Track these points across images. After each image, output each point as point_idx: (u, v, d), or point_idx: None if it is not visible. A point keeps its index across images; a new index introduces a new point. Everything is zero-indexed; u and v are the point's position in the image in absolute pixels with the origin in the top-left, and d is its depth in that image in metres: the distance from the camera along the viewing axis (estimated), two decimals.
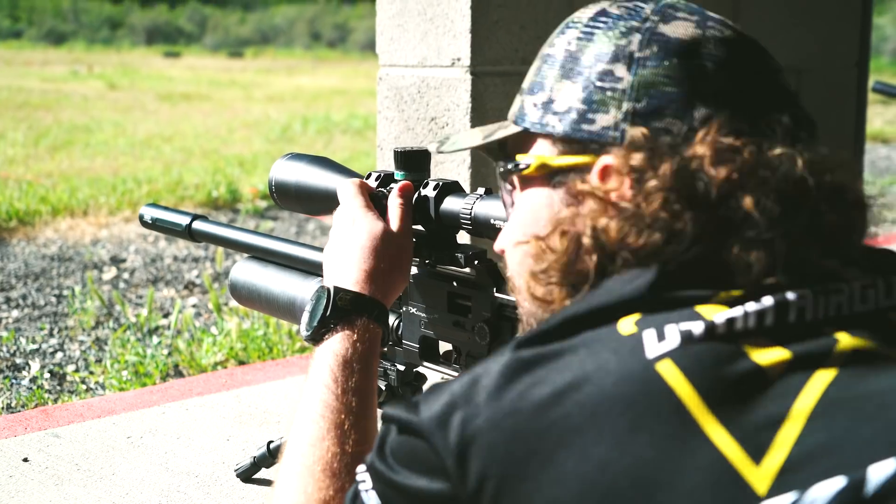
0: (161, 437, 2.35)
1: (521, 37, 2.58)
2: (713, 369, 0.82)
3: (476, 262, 1.51)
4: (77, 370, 3.29)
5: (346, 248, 1.38)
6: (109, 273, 4.82)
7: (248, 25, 40.92)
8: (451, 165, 2.54)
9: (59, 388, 3.12)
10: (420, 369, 1.80)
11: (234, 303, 3.94)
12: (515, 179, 1.12)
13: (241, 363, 3.24)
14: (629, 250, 0.93)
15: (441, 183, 1.53)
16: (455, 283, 1.56)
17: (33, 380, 3.18)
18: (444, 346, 1.64)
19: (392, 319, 1.71)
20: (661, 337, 0.84)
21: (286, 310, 1.85)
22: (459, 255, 1.52)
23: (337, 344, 1.27)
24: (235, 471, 2.09)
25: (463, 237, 1.63)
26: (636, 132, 0.98)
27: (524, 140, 1.11)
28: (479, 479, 0.83)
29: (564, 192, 1.04)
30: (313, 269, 1.82)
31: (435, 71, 2.58)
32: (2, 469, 2.14)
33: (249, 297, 1.91)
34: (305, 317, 1.33)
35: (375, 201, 1.48)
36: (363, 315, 1.31)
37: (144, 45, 35.29)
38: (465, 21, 2.49)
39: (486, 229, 1.45)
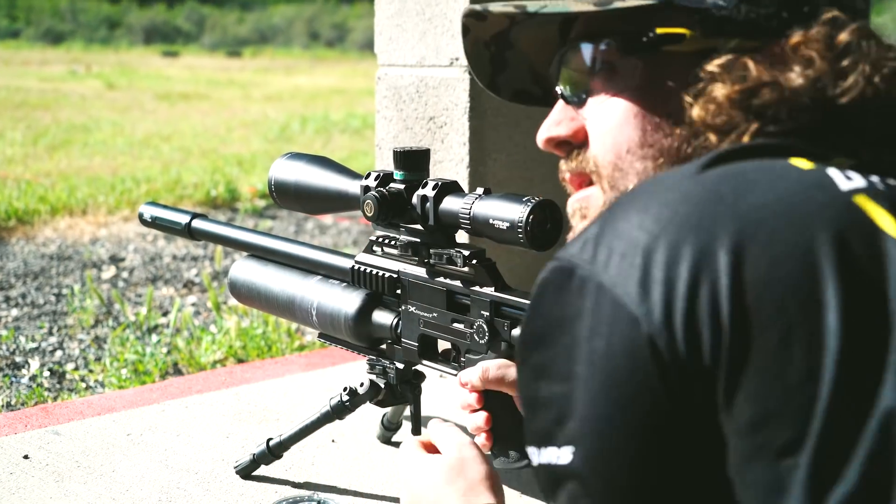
0: (161, 434, 2.36)
1: None
2: None
3: (475, 261, 1.52)
4: (76, 368, 3.31)
5: (425, 490, 1.27)
6: (108, 272, 4.82)
7: (246, 25, 40.91)
8: (451, 165, 2.55)
9: (58, 386, 3.13)
10: (419, 367, 1.82)
11: (233, 301, 3.95)
12: (638, 58, 1.05)
13: (241, 361, 3.25)
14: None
15: (440, 183, 1.54)
16: (454, 282, 1.57)
17: (33, 378, 3.19)
18: (444, 345, 1.65)
19: (391, 318, 1.73)
20: (847, 177, 0.86)
21: (285, 308, 1.87)
22: (458, 254, 1.53)
23: None
24: (235, 468, 2.11)
25: (462, 236, 1.64)
26: (830, 14, 0.99)
27: (643, 15, 1.04)
28: None
29: (711, 72, 1.00)
30: (312, 268, 1.84)
31: (433, 70, 2.59)
32: (2, 466, 2.15)
33: (249, 295, 1.92)
34: None
35: None
36: None
37: (142, 45, 35.28)
38: None
39: (484, 228, 1.46)
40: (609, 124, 1.08)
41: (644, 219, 0.83)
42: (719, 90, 0.97)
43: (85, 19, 39.67)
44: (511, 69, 1.28)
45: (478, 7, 1.18)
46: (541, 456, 0.87)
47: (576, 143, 1.12)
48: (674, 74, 1.04)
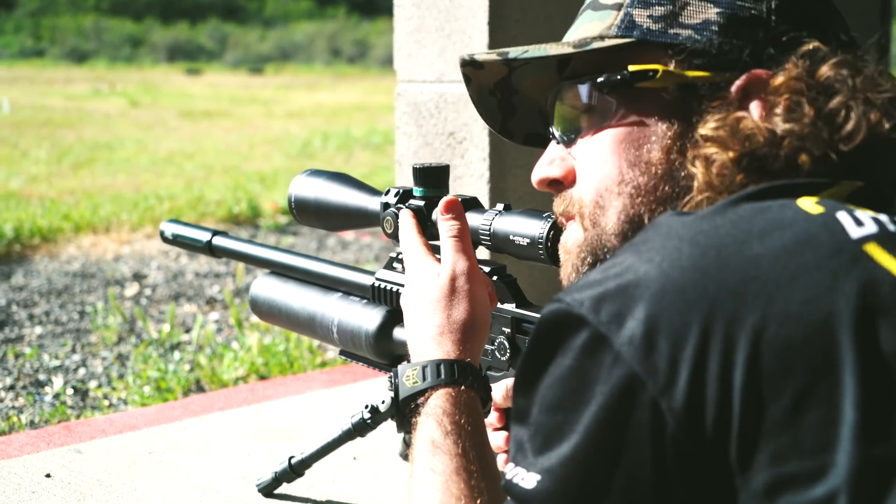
0: (183, 452, 2.36)
1: None
2: None
3: (496, 277, 1.51)
4: (99, 386, 3.31)
5: (414, 308, 1.28)
6: (131, 289, 4.84)
7: (268, 42, 41.16)
8: (470, 181, 2.55)
9: (81, 403, 3.14)
10: None
11: (255, 318, 3.96)
12: (616, 95, 1.07)
13: (262, 378, 3.25)
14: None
15: (460, 199, 1.53)
16: None
17: (56, 396, 3.20)
18: None
19: None
20: (857, 221, 0.85)
21: (306, 325, 1.86)
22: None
23: (423, 429, 1.15)
24: (257, 486, 2.10)
25: (482, 252, 1.63)
26: (813, 44, 0.99)
27: (620, 53, 1.06)
28: None
29: (690, 107, 1.02)
30: (332, 285, 1.83)
31: (453, 86, 2.59)
32: (25, 485, 2.15)
33: (270, 312, 1.92)
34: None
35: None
36: (452, 385, 1.19)
37: (166, 63, 35.55)
38: (483, 36, 2.50)
39: (505, 245, 1.45)
40: (592, 163, 1.10)
41: (650, 271, 0.83)
42: (720, 155, 0.97)
43: (109, 38, 40.02)
44: (520, 113, 1.31)
45: (466, 56, 1.21)
46: (509, 472, 0.87)
47: (567, 184, 1.14)
48: (651, 110, 1.05)
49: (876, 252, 0.82)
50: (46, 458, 2.31)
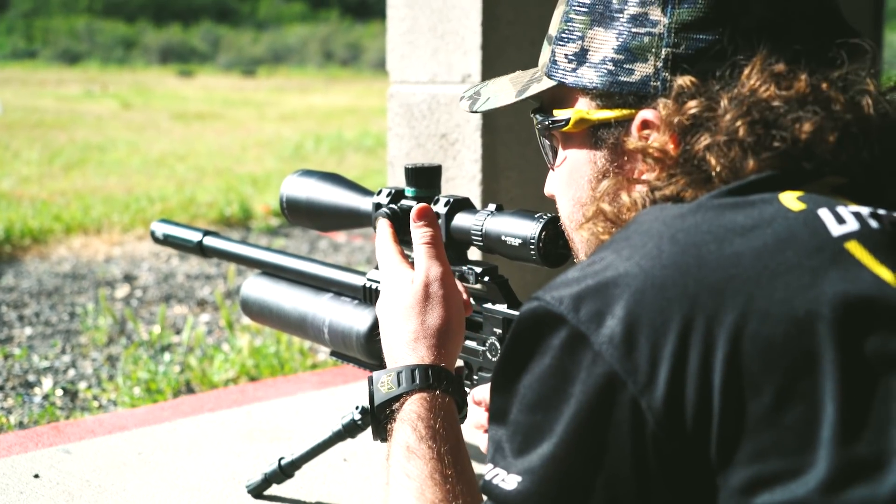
0: (172, 453, 2.35)
1: (531, 53, 2.58)
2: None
3: (487, 278, 1.51)
4: (89, 387, 3.30)
5: (389, 315, 1.28)
6: (122, 290, 4.83)
7: (261, 45, 41.12)
8: (463, 182, 2.54)
9: (71, 405, 3.13)
10: None
11: (246, 320, 3.95)
12: (556, 135, 1.11)
13: (253, 380, 3.24)
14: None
15: (452, 199, 1.53)
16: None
17: (45, 397, 3.18)
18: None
19: None
20: (839, 218, 0.85)
21: (297, 325, 1.85)
22: (470, 271, 1.52)
23: (398, 435, 1.14)
24: (246, 487, 2.09)
25: (474, 253, 1.63)
26: (684, 80, 0.95)
27: (557, 93, 1.09)
28: None
29: (606, 149, 1.04)
30: (323, 285, 1.83)
31: (445, 87, 2.59)
32: (13, 485, 2.14)
33: (261, 312, 1.91)
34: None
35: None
36: (427, 389, 1.18)
37: (158, 65, 35.50)
38: (476, 37, 2.49)
39: (497, 245, 1.44)
40: (557, 194, 1.16)
41: (630, 269, 0.83)
42: (602, 231, 1.00)
43: (101, 40, 39.94)
44: None
45: (461, 102, 1.27)
46: (489, 473, 0.87)
47: None
48: (581, 149, 1.08)
49: (857, 250, 0.82)
50: (35, 458, 2.30)
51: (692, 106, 0.94)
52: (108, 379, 3.36)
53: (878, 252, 0.82)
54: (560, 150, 1.11)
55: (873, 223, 0.85)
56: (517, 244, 1.41)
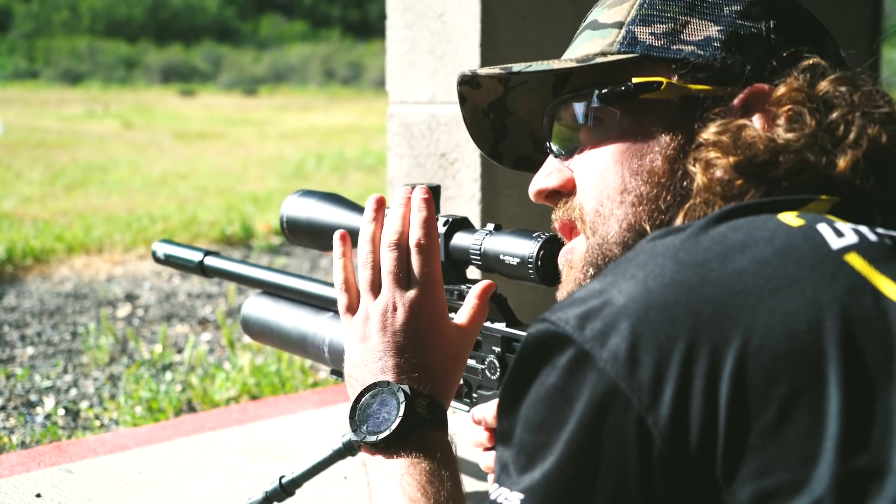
0: (173, 471, 2.36)
1: None
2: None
3: None
4: (91, 406, 3.31)
5: (414, 339, 1.18)
6: (124, 310, 4.84)
7: (262, 64, 41.26)
8: (463, 201, 2.56)
9: (73, 424, 3.13)
10: None
11: (247, 339, 3.96)
12: (620, 107, 1.10)
13: (254, 398, 3.24)
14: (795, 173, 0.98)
15: (451, 219, 1.54)
16: None
17: (47, 416, 3.19)
18: None
19: None
20: (837, 232, 0.86)
21: (298, 344, 1.86)
22: (468, 289, 1.53)
23: (417, 456, 1.09)
24: None
25: (473, 272, 1.64)
26: (814, 59, 1.02)
27: (623, 68, 1.09)
28: None
29: (693, 120, 1.05)
30: (324, 304, 1.84)
31: (445, 108, 2.60)
32: None
33: (261, 332, 1.92)
34: (363, 417, 1.14)
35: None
36: (440, 427, 1.15)
37: (160, 84, 35.60)
38: (475, 58, 2.51)
39: (495, 264, 1.45)
40: (594, 172, 1.11)
41: (633, 288, 0.83)
42: (721, 160, 0.99)
43: (103, 59, 40.08)
44: (511, 136, 1.32)
45: (468, 72, 1.22)
46: (493, 493, 0.87)
47: (565, 193, 1.16)
48: (654, 122, 1.07)
49: (857, 262, 0.83)
50: (37, 477, 2.31)
51: (824, 85, 1.00)
52: (109, 398, 3.37)
53: (878, 263, 0.83)
54: (622, 122, 1.09)
55: (872, 236, 0.86)
56: (515, 263, 1.42)
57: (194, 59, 41.72)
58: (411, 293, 1.19)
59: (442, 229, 1.55)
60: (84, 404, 3.33)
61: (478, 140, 1.32)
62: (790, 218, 0.88)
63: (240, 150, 13.72)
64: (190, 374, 3.60)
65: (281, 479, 2.06)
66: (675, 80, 1.06)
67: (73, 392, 3.48)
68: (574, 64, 1.11)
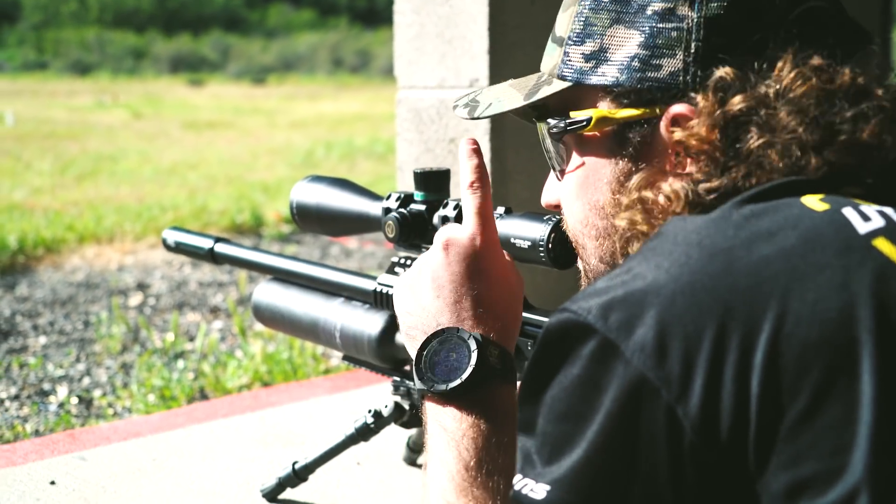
0: (187, 458, 2.36)
1: (538, 57, 2.59)
2: None
3: None
4: (104, 395, 3.32)
5: (473, 269, 1.12)
6: (135, 299, 4.85)
7: (270, 53, 41.21)
8: None
9: (86, 412, 3.14)
10: None
11: (258, 326, 3.96)
12: (569, 138, 1.07)
13: (266, 385, 3.25)
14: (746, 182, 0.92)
15: (461, 203, 1.54)
16: None
17: (61, 405, 3.20)
18: None
19: None
20: (864, 216, 0.84)
21: (309, 330, 1.87)
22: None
23: (481, 416, 1.05)
24: (261, 491, 2.10)
25: None
26: (724, 71, 0.93)
27: (571, 94, 1.05)
28: None
29: (630, 148, 1.00)
30: (335, 290, 1.84)
31: (454, 92, 2.60)
32: (29, 492, 2.16)
33: (272, 318, 1.92)
34: (430, 364, 1.08)
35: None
36: (509, 381, 1.09)
37: (168, 74, 35.60)
38: (483, 42, 2.51)
39: (506, 248, 1.45)
40: (566, 201, 1.11)
41: (659, 277, 0.82)
42: (643, 225, 0.97)
43: (111, 50, 40.09)
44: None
45: (465, 117, 1.20)
46: (517, 483, 0.86)
47: (562, 209, 1.15)
48: (598, 153, 1.04)
49: (885, 246, 0.82)
50: (51, 465, 2.32)
51: (738, 101, 0.92)
52: (122, 386, 3.38)
53: None
54: (574, 155, 1.07)
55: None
56: (526, 246, 1.41)
57: (202, 49, 41.70)
58: (466, 228, 1.14)
59: (452, 213, 1.54)
60: (97, 392, 3.34)
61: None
62: (813, 201, 0.86)
63: (249, 139, 13.72)
64: (202, 362, 3.61)
65: (294, 464, 2.06)
66: (605, 107, 1.02)
67: (86, 381, 3.49)
68: (522, 102, 1.10)
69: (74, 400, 3.25)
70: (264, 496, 2.10)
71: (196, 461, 2.35)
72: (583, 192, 1.07)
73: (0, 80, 29.37)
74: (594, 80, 1.02)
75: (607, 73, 1.01)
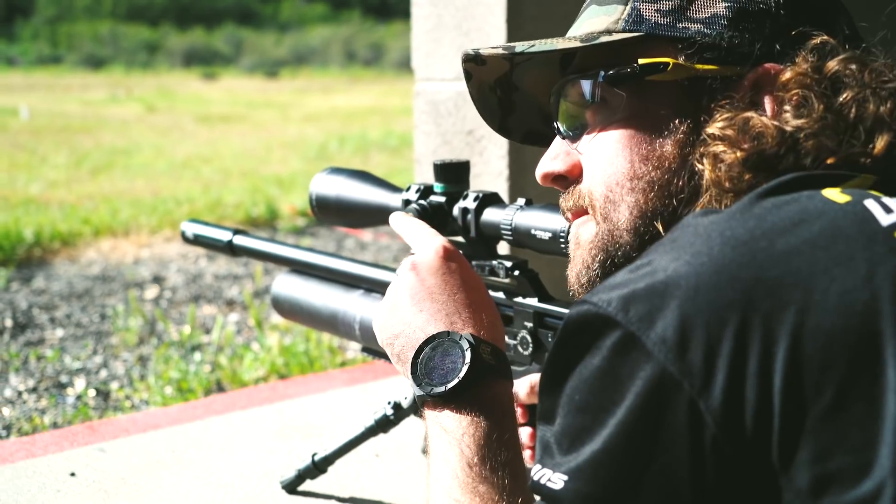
0: (205, 450, 2.37)
1: None
2: None
3: (517, 272, 1.51)
4: (121, 387, 3.33)
5: (459, 291, 1.17)
6: (151, 292, 4.87)
7: (283, 46, 41.26)
8: (490, 178, 2.55)
9: (103, 405, 3.16)
10: None
11: (275, 319, 3.97)
12: (627, 88, 1.05)
13: (283, 378, 3.26)
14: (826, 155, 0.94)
15: (481, 194, 1.54)
16: (496, 294, 1.56)
17: (79, 397, 3.22)
18: None
19: None
20: (886, 208, 0.84)
21: (328, 322, 1.86)
22: (500, 265, 1.52)
23: (479, 413, 1.07)
24: (280, 483, 2.11)
25: (503, 247, 1.64)
26: (819, 39, 0.98)
27: (630, 48, 1.05)
28: None
29: (699, 102, 1.01)
30: (354, 282, 1.84)
31: None
32: (50, 483, 2.17)
33: (291, 310, 1.92)
34: (426, 371, 1.11)
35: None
36: (504, 376, 1.12)
37: (182, 68, 35.67)
38: (501, 34, 2.50)
39: (526, 239, 1.45)
40: (600, 157, 1.08)
41: (680, 269, 0.81)
42: (728, 154, 0.96)
43: (125, 44, 40.19)
44: (519, 111, 1.28)
45: (470, 51, 1.19)
46: (536, 473, 0.86)
47: (572, 179, 1.13)
48: (662, 104, 1.04)
49: None
50: (70, 457, 2.33)
51: (832, 67, 0.96)
52: (139, 379, 3.40)
53: None
54: (626, 106, 1.05)
55: None
56: (547, 238, 1.41)
57: (216, 43, 41.77)
58: (425, 248, 1.21)
59: (472, 205, 1.54)
60: (114, 385, 3.35)
61: (486, 115, 1.29)
62: (835, 194, 0.86)
63: (262, 133, 13.74)
64: (219, 354, 3.62)
65: (314, 456, 2.07)
66: (681, 60, 1.02)
67: (104, 373, 3.51)
68: (578, 44, 1.07)
69: (92, 392, 3.27)
70: (284, 488, 2.10)
71: (215, 453, 2.35)
72: (635, 143, 1.04)
73: (15, 74, 29.48)
74: (673, 33, 1.03)
75: (690, 28, 1.02)
